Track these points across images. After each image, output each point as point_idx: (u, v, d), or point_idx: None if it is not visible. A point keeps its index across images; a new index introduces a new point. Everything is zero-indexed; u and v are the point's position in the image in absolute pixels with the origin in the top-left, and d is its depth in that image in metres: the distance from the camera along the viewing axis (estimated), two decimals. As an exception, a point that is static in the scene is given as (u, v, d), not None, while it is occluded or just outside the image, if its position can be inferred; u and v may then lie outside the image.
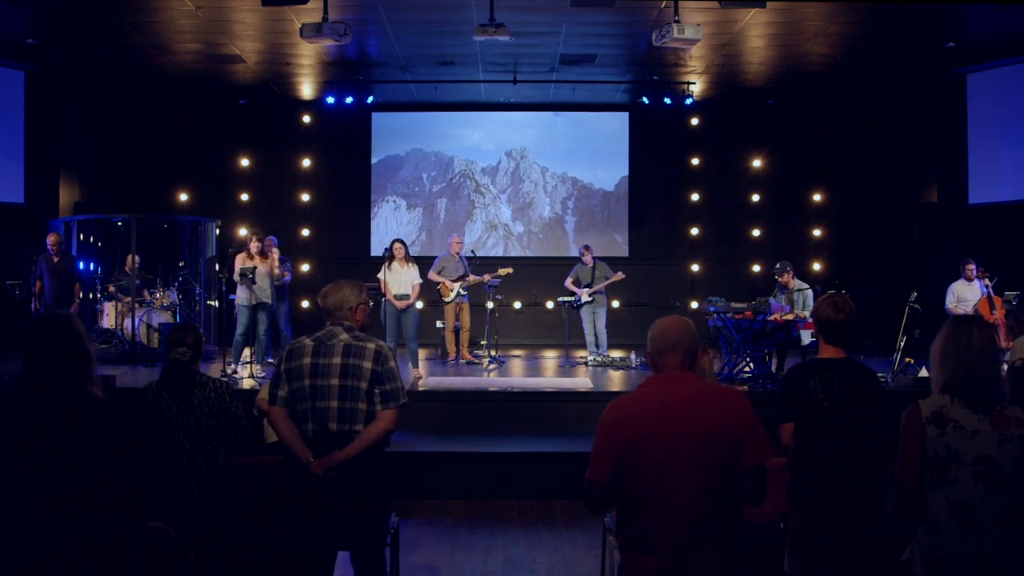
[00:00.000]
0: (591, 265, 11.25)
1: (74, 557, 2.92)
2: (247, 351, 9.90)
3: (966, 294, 9.94)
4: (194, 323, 4.83)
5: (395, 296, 9.75)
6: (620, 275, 11.22)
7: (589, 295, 11.13)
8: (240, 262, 9.72)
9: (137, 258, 11.19)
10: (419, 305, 10.08)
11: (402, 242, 10.12)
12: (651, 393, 2.95)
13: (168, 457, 4.03)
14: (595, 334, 11.22)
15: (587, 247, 11.40)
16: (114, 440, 2.99)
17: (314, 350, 3.79)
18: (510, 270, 11.10)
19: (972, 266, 9.89)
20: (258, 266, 9.70)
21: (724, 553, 2.86)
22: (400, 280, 9.84)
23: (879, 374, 8.95)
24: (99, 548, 2.94)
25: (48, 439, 2.93)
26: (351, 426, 3.75)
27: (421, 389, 8.96)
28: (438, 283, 10.92)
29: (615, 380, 9.83)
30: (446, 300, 10.91)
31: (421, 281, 10.02)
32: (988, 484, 2.87)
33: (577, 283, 11.30)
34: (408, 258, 9.99)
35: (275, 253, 10.30)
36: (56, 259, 10.33)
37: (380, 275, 9.82)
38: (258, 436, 5.50)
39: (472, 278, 10.88)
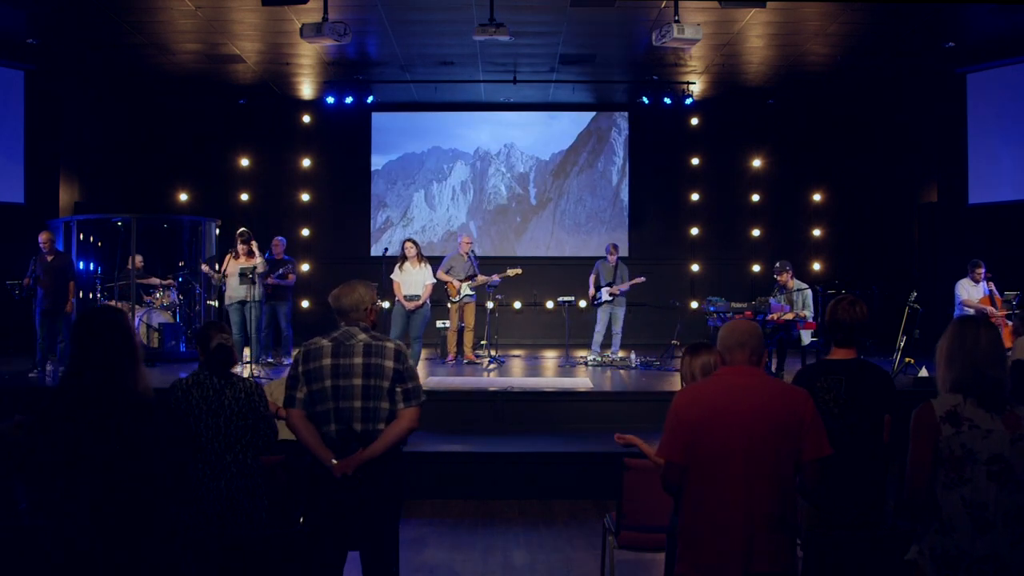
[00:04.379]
0: (613, 264, 11.17)
1: (107, 561, 2.85)
2: (246, 350, 9.92)
3: (971, 293, 9.93)
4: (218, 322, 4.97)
5: (405, 297, 9.72)
6: (641, 279, 11.16)
7: (609, 295, 11.08)
8: (228, 262, 9.87)
9: (139, 257, 11.18)
10: (429, 304, 10.00)
11: (413, 241, 10.07)
12: (721, 380, 3.24)
13: (196, 456, 4.03)
14: (611, 335, 11.15)
15: (615, 246, 11.30)
16: (155, 440, 2.92)
17: (333, 351, 3.79)
18: (519, 270, 11.02)
19: (982, 269, 9.82)
20: (244, 264, 9.80)
21: (782, 537, 3.05)
22: (411, 280, 9.80)
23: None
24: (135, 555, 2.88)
25: (87, 436, 2.85)
26: (374, 425, 3.77)
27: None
28: (446, 282, 10.88)
29: (615, 380, 9.83)
30: (452, 300, 10.88)
31: (434, 281, 9.99)
32: (1001, 483, 2.87)
33: (597, 281, 11.24)
34: (420, 257, 9.94)
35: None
36: (50, 257, 10.11)
37: (393, 276, 9.84)
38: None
39: (481, 278, 10.83)
